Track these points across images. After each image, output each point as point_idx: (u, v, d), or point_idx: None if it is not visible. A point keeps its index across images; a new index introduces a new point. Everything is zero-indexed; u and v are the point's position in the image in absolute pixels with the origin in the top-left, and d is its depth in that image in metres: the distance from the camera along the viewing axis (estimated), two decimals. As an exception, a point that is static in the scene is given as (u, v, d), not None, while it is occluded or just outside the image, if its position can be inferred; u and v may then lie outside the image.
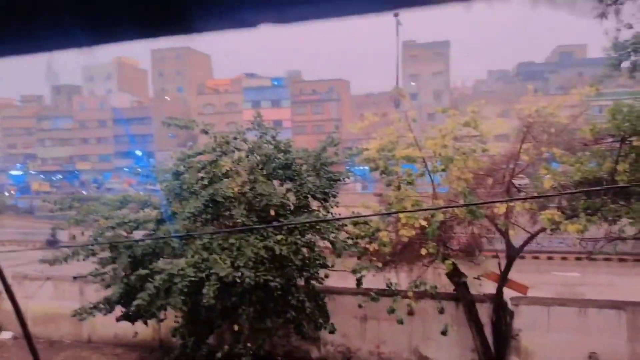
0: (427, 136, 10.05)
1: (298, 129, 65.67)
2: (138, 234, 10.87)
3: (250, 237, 9.16)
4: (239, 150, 11.04)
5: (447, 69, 66.44)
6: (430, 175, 9.87)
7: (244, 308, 9.09)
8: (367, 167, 10.72)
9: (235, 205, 9.59)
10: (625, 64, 12.18)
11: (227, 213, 9.89)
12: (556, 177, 8.49)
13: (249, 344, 9.39)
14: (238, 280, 8.36)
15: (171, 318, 10.78)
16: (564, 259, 19.72)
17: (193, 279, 8.38)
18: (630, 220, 8.53)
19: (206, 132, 10.81)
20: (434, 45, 65.87)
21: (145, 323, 10.67)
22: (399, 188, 10.17)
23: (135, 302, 8.63)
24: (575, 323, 10.41)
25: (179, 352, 9.93)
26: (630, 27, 11.79)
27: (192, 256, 8.74)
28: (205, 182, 9.85)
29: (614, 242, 9.43)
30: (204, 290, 8.22)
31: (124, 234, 10.44)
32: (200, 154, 10.87)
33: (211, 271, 8.40)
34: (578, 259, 17.83)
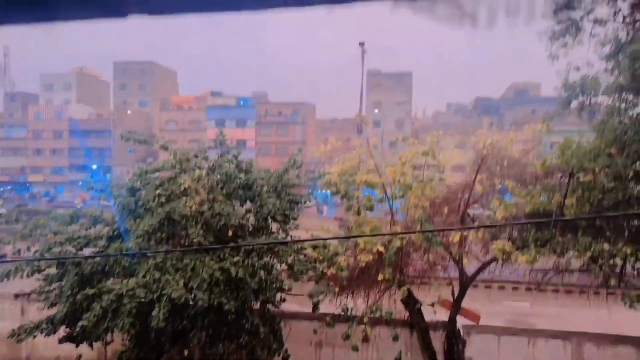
0: (387, 163, 10.26)
1: (262, 150, 65.61)
2: (88, 251, 10.42)
3: (205, 258, 8.94)
4: (199, 168, 10.87)
5: (410, 99, 68.42)
6: (389, 201, 10.03)
7: (195, 332, 8.79)
8: (328, 191, 10.79)
9: (192, 225, 9.37)
10: (574, 104, 12.92)
11: (183, 232, 9.65)
12: (508, 209, 8.80)
13: (199, 370, 9.09)
14: (191, 302, 8.11)
15: (118, 341, 10.31)
16: (515, 289, 20.29)
17: (143, 300, 8.06)
18: (576, 253, 8.90)
19: (166, 148, 10.61)
20: (397, 76, 67.85)
21: (91, 345, 10.13)
22: (358, 213, 10.28)
23: (80, 323, 8.21)
24: (524, 352, 10.66)
25: (124, 376, 9.46)
26: (578, 69, 12.57)
27: (144, 276, 8.44)
28: (162, 199, 9.60)
29: (561, 274, 9.81)
30: (154, 312, 7.92)
31: (73, 250, 10.00)
32: (158, 170, 10.63)
33: (163, 292, 8.11)
34: (528, 289, 18.40)
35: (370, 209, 10.24)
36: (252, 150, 62.47)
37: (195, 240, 9.16)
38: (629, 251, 8.25)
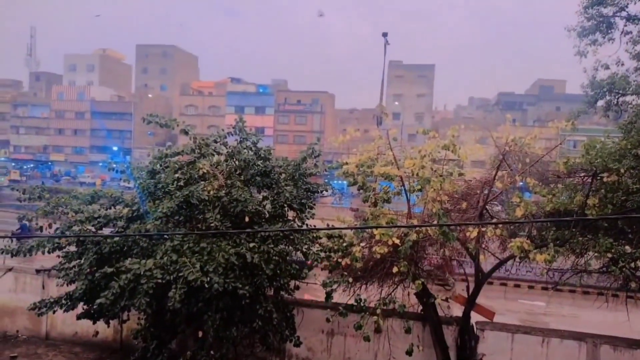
0: (406, 156, 10.15)
1: (280, 138, 65.72)
2: (107, 231, 10.61)
3: (222, 243, 9.03)
4: (218, 153, 10.95)
5: (431, 91, 67.67)
6: (406, 194, 9.95)
7: (210, 314, 8.91)
8: (345, 182, 10.76)
9: (209, 209, 9.46)
10: (601, 103, 12.63)
11: (200, 216, 9.75)
12: (528, 207, 8.67)
13: (212, 352, 9.20)
14: (206, 285, 8.21)
15: (134, 319, 10.52)
16: (530, 287, 20.12)
17: (160, 281, 8.19)
18: (596, 254, 8.75)
19: (186, 133, 10.69)
20: (419, 68, 67.08)
21: (107, 323, 10.35)
22: (375, 204, 10.23)
23: (98, 300, 8.38)
24: (538, 352, 10.56)
25: (139, 355, 9.65)
26: (607, 67, 12.26)
27: (161, 257, 8.56)
28: (181, 183, 9.71)
29: (580, 275, 9.66)
30: (170, 294, 8.04)
31: (93, 229, 10.19)
32: (178, 154, 10.73)
33: (179, 274, 8.22)
34: (544, 288, 18.23)
35: (387, 201, 10.18)
36: (270, 137, 62.65)
37: (212, 224, 9.25)
38: (651, 255, 8.08)
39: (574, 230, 8.95)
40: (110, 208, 10.57)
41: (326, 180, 13.27)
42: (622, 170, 8.58)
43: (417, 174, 9.51)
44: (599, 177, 9.04)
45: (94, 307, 8.82)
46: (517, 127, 9.96)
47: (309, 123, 66.63)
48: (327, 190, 12.10)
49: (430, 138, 9.90)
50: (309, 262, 10.24)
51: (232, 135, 11.25)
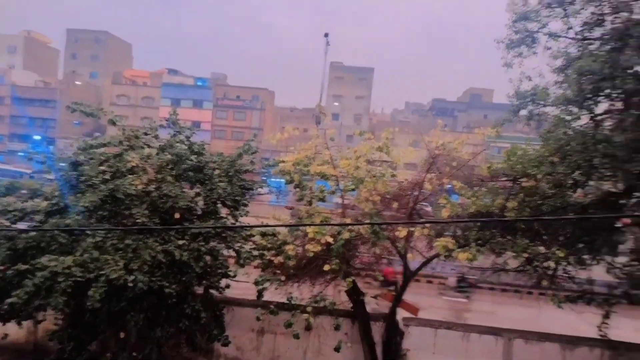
0: (342, 156, 10.30)
1: (218, 133, 64.33)
2: (23, 225, 9.87)
3: (149, 240, 8.67)
4: (149, 146, 10.50)
5: (369, 94, 69.06)
6: (341, 194, 10.10)
7: (132, 314, 8.53)
8: (282, 180, 10.73)
9: (136, 204, 9.05)
10: (524, 112, 13.46)
11: (127, 212, 9.29)
12: (454, 208, 9.08)
13: (134, 353, 8.83)
14: (130, 284, 7.85)
15: (50, 320, 9.86)
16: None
17: (79, 279, 7.72)
18: (514, 254, 9.33)
19: (114, 123, 10.17)
20: (359, 70, 68.23)
21: (19, 324, 9.63)
22: (310, 203, 10.28)
23: (9, 300, 7.77)
24: (459, 346, 11.11)
25: (55, 357, 9.06)
26: (530, 79, 13.09)
27: (81, 254, 8.08)
28: (107, 176, 9.20)
29: (499, 273, 10.27)
30: (90, 292, 7.61)
31: (7, 223, 9.43)
32: (104, 145, 10.17)
33: (101, 272, 7.80)
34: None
35: (322, 200, 10.28)
36: (208, 132, 61.15)
37: (139, 220, 8.85)
38: (561, 255, 8.74)
39: (494, 231, 9.48)
40: (27, 201, 9.83)
41: (264, 178, 13.14)
42: (539, 176, 9.20)
43: (352, 174, 9.68)
44: (518, 182, 9.66)
45: (4, 307, 8.16)
46: (447, 132, 10.43)
47: (248, 119, 65.74)
48: (262, 188, 11.97)
49: (366, 140, 10.11)
50: (240, 260, 10.07)
51: (165, 128, 10.85)
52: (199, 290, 9.99)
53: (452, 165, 9.78)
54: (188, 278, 8.92)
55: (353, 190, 9.94)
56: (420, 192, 10.06)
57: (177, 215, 9.31)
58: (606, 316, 10.58)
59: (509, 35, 12.99)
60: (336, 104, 66.51)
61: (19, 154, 60.46)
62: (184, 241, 8.86)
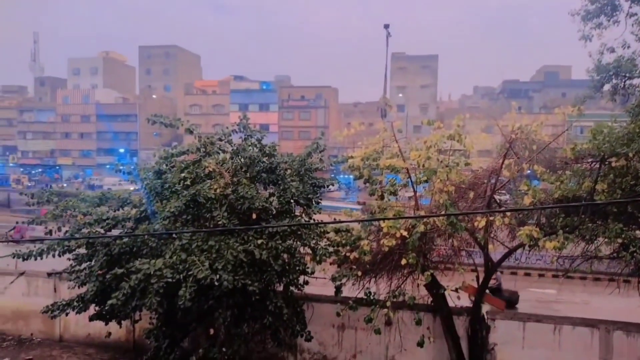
0: (411, 147, 10.10)
1: (285, 134, 65.69)
2: (116, 232, 10.68)
3: (230, 240, 9.05)
4: (223, 151, 10.97)
5: (435, 82, 67.25)
6: (413, 186, 9.92)
7: (220, 312, 8.96)
8: (351, 176, 10.73)
9: (216, 207, 9.48)
10: (607, 87, 12.47)
11: (208, 214, 9.77)
12: (536, 194, 8.60)
13: (224, 349, 9.25)
14: (216, 283, 8.24)
15: (146, 319, 10.60)
16: (541, 275, 20.01)
17: (170, 280, 8.23)
18: (606, 240, 8.68)
19: (191, 132, 10.71)
20: (422, 59, 66.68)
21: (119, 323, 10.47)
22: (382, 197, 10.20)
23: (109, 302, 8.44)
24: (550, 339, 10.52)
25: (152, 354, 9.72)
26: (612, 50, 12.09)
27: (170, 257, 8.60)
28: (188, 182, 9.74)
29: (590, 261, 9.59)
30: (180, 292, 8.07)
31: (102, 231, 10.26)
32: (184, 153, 10.77)
33: (189, 273, 8.26)
34: (555, 276, 18.12)
35: (394, 193, 10.15)
36: (275, 134, 62.61)
37: (219, 222, 9.27)
38: (662, 239, 8.00)
39: (583, 216, 8.88)
40: (118, 209, 10.64)
41: (332, 175, 13.23)
42: (630, 155, 8.49)
43: (423, 166, 9.46)
44: (607, 162, 8.95)
45: (106, 308, 8.89)
46: (523, 115, 9.91)
47: (313, 118, 66.52)
48: (333, 185, 12.08)
49: (436, 129, 9.84)
50: (316, 257, 10.21)
51: (236, 132, 11.25)
52: (279, 287, 10.28)
53: (532, 149, 9.25)
54: (268, 276, 9.20)
55: (426, 181, 9.71)
56: (498, 179, 9.64)
57: (254, 216, 9.62)
58: None
59: (584, 7, 12.09)
60: (400, 95, 65.47)
61: (107, 166, 65.45)
62: (262, 240, 9.14)
